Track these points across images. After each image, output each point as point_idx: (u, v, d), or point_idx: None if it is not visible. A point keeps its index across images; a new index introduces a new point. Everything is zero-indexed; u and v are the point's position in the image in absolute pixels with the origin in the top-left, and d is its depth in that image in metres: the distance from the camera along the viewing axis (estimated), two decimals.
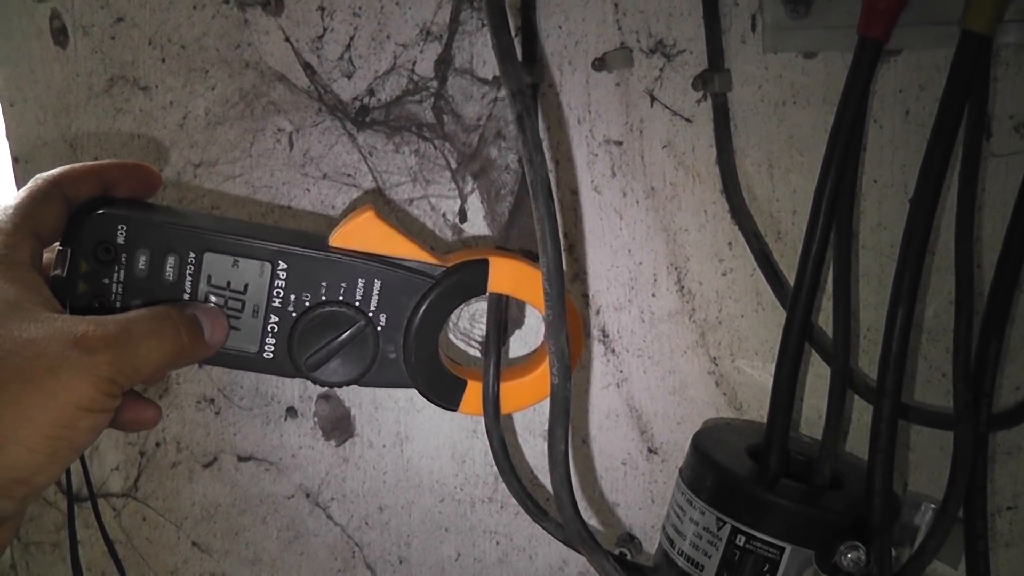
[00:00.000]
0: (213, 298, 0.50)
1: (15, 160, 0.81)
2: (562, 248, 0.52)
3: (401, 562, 0.78)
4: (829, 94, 0.59)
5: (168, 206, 0.54)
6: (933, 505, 0.56)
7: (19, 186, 0.81)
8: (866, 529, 0.52)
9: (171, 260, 0.50)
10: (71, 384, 0.40)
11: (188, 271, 0.50)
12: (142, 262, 0.49)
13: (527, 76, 0.63)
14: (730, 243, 0.63)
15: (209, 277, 0.50)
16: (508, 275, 0.54)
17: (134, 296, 0.50)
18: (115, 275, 0.49)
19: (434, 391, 0.55)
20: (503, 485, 0.72)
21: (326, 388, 0.72)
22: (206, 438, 0.80)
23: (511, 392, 0.57)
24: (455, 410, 0.56)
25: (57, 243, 0.49)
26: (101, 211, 0.49)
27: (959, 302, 0.52)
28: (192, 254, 0.50)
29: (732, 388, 0.66)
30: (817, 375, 0.63)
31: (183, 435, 0.80)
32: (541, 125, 0.65)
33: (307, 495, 0.79)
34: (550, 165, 0.65)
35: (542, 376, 0.56)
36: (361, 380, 0.53)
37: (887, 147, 0.58)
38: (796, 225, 0.61)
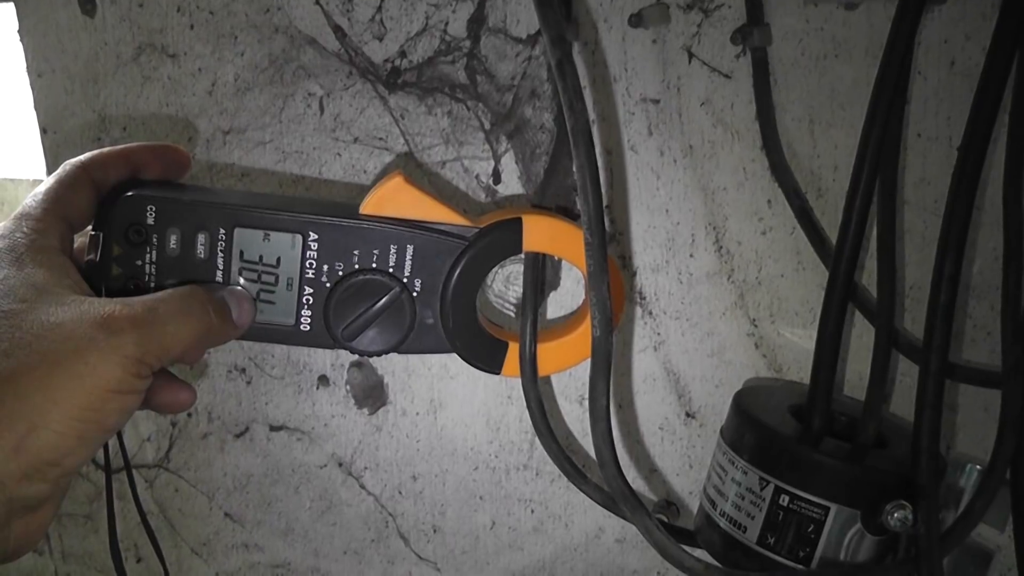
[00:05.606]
0: (242, 280, 0.51)
1: (43, 131, 0.81)
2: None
3: (435, 531, 0.78)
4: (872, 46, 0.58)
5: (198, 185, 0.54)
6: (979, 466, 0.55)
7: (48, 157, 0.81)
8: (912, 489, 0.51)
9: (202, 237, 0.50)
10: (98, 366, 0.40)
11: (219, 248, 0.50)
12: (173, 241, 0.50)
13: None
14: (770, 201, 0.62)
15: (241, 252, 0.50)
16: (543, 232, 0.54)
17: (168, 276, 0.50)
18: (148, 256, 0.50)
19: (475, 355, 0.55)
20: (538, 452, 0.72)
21: (359, 356, 0.71)
22: (238, 408, 0.79)
23: (550, 353, 0.57)
24: (498, 373, 0.56)
25: (90, 228, 0.50)
26: (130, 193, 0.49)
27: (1008, 254, 0.51)
28: (222, 230, 0.50)
29: (772, 350, 0.65)
30: (858, 337, 0.63)
31: (214, 405, 0.80)
32: None
33: (340, 465, 0.78)
34: None
35: (582, 335, 0.55)
36: (400, 347, 0.53)
37: (931, 99, 0.57)
38: (838, 182, 0.60)
